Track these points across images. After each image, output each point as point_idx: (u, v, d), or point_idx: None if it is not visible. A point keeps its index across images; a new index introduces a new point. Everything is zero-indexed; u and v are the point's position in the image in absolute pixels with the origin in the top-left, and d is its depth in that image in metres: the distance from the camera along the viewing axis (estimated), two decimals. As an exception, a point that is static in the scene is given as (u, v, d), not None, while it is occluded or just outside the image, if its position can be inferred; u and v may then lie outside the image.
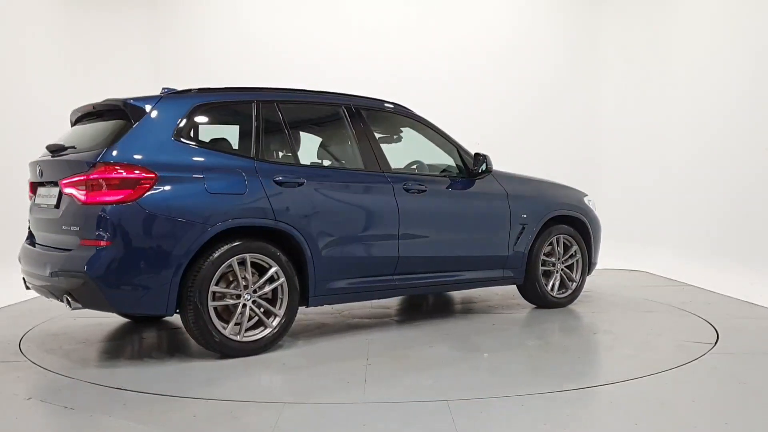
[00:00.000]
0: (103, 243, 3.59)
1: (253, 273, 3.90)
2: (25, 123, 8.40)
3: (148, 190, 3.64)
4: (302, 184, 4.10)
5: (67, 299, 3.71)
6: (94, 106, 4.23)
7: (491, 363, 3.82)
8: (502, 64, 9.53)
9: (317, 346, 4.20)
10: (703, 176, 7.90)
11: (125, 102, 3.94)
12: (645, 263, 7.44)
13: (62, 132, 4.51)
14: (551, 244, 5.25)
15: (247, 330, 3.89)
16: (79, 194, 3.68)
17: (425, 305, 5.65)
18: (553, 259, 5.28)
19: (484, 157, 4.85)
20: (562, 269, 5.32)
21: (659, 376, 3.47)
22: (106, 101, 4.14)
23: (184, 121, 3.94)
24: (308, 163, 4.60)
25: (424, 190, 4.62)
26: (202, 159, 3.91)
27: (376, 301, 5.58)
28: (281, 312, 3.98)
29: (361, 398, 3.14)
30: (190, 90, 4.17)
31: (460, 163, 4.96)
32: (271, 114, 4.28)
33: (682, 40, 8.42)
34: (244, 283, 3.85)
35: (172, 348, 4.18)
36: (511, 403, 3.05)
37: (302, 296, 4.11)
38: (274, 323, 3.97)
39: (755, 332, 4.57)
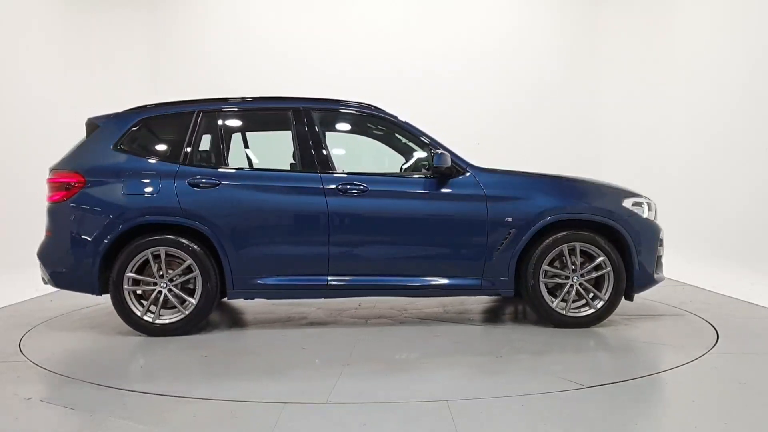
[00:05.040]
0: (48, 233, 4.57)
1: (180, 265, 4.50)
2: (26, 123, 8.39)
3: (77, 192, 4.46)
4: (218, 185, 4.47)
5: (41, 277, 4.70)
6: None
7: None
8: (502, 63, 9.55)
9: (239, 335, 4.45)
10: (704, 176, 7.90)
11: (87, 120, 4.77)
12: (645, 263, 7.44)
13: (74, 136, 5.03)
14: (562, 253, 4.56)
15: (169, 315, 4.51)
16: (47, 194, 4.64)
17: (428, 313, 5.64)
18: (568, 272, 4.57)
19: (438, 156, 4.47)
20: (580, 284, 4.58)
21: (659, 376, 3.48)
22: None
23: (127, 133, 4.64)
24: (242, 166, 4.86)
25: (365, 191, 4.53)
26: (130, 165, 4.55)
27: (404, 302, 5.57)
28: (195, 300, 4.47)
29: (361, 398, 3.14)
30: (144, 106, 4.83)
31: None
32: (211, 123, 4.77)
33: (683, 39, 8.42)
34: (161, 273, 4.45)
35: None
36: (511, 403, 3.05)
37: (223, 289, 4.54)
38: (188, 310, 4.46)
39: (755, 332, 4.57)
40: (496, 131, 9.41)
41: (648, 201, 4.82)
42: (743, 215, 7.13)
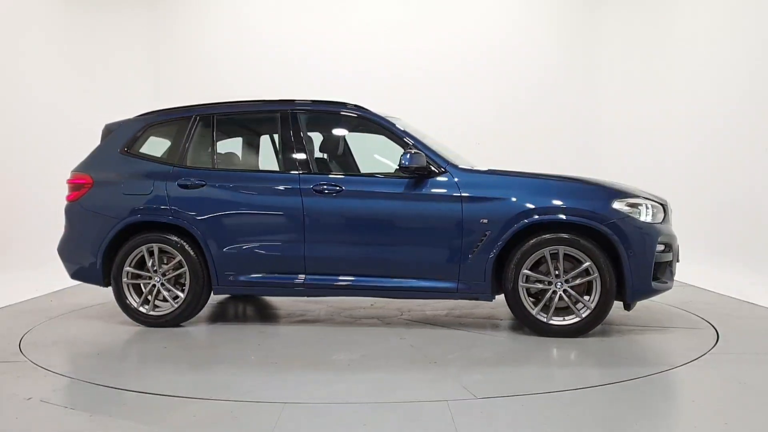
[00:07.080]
0: (65, 230, 5.01)
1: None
2: (25, 124, 8.39)
3: (86, 192, 4.90)
4: (203, 186, 4.71)
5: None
6: None
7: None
8: (502, 61, 9.55)
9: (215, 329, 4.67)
10: (703, 176, 7.90)
11: (104, 126, 5.19)
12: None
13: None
14: (545, 257, 4.29)
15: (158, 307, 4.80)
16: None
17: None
18: (550, 277, 4.30)
19: (410, 156, 4.36)
20: (564, 290, 4.29)
21: (659, 376, 3.47)
22: None
23: (133, 138, 5.00)
24: (231, 167, 5.14)
25: (340, 191, 4.52)
26: (131, 167, 4.90)
27: (412, 303, 5.52)
28: (184, 295, 4.71)
29: (361, 398, 3.15)
30: (151, 112, 5.18)
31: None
32: (206, 126, 4.98)
33: (682, 37, 8.42)
34: (155, 268, 4.74)
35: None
36: (511, 403, 3.06)
37: (210, 285, 4.76)
38: (177, 303, 4.71)
39: (755, 332, 4.57)
40: (495, 130, 9.40)
41: (650, 203, 4.44)
42: (744, 215, 7.13)
